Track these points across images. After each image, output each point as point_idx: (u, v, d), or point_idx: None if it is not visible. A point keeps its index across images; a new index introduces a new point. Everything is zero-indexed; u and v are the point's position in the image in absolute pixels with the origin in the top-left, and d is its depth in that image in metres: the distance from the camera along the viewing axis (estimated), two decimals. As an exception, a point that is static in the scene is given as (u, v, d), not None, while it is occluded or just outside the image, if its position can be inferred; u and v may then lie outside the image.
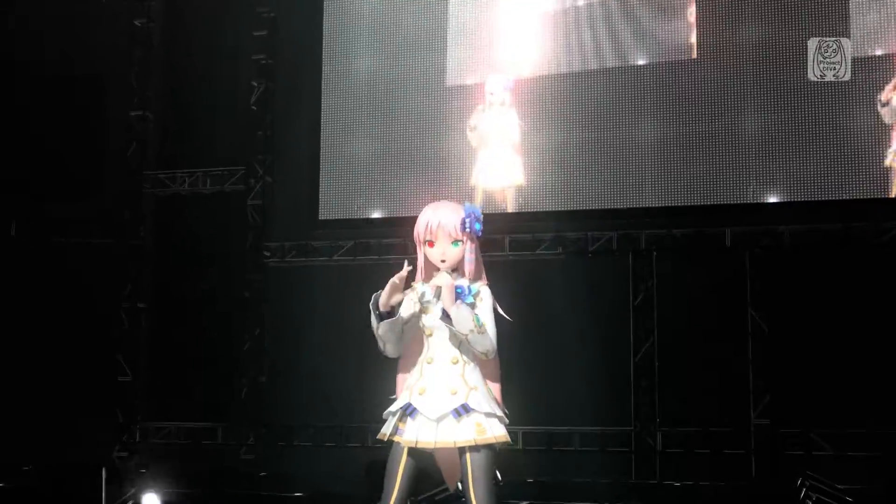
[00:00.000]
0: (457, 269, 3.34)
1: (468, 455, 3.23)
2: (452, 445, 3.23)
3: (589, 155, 7.05)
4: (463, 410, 3.23)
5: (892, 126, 6.54)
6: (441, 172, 7.27)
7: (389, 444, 3.33)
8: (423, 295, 3.33)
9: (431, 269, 3.37)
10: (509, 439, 3.30)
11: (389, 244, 7.29)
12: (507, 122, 7.17)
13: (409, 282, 3.37)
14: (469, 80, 7.33)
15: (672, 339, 6.94)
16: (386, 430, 3.34)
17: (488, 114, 7.21)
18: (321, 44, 7.63)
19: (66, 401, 7.28)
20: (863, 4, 6.64)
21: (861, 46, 6.61)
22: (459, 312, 3.24)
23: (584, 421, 6.99)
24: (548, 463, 6.87)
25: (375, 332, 3.30)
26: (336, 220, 7.55)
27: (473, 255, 3.34)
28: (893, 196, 6.56)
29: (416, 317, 3.33)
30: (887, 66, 6.60)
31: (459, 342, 3.29)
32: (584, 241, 7.21)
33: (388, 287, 3.29)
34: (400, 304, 3.32)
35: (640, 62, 7.03)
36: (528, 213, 7.19)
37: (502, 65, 7.29)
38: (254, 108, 7.89)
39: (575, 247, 7.22)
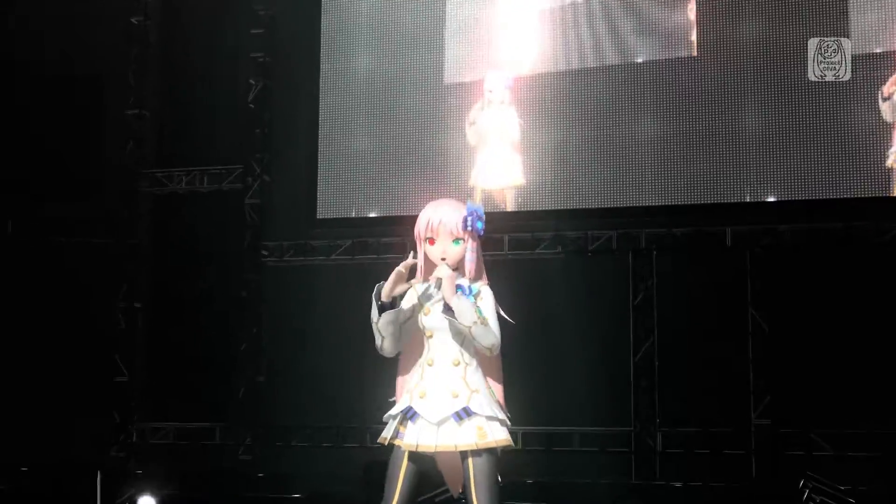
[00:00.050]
0: (457, 269, 3.30)
1: (470, 459, 3.18)
2: (454, 449, 3.19)
3: (588, 153, 7.02)
4: (464, 414, 3.19)
5: (893, 125, 6.50)
6: (440, 171, 7.23)
7: (388, 446, 3.29)
8: (425, 289, 3.28)
9: (431, 268, 3.33)
10: (512, 443, 3.26)
11: (388, 243, 7.26)
12: (506, 120, 7.13)
13: (408, 280, 3.33)
14: (468, 78, 7.29)
15: (672, 339, 6.91)
16: (386, 434, 3.30)
17: (487, 112, 7.16)
18: (319, 42, 7.60)
19: (63, 401, 7.25)
20: (864, 1, 6.60)
21: (863, 44, 6.58)
22: (461, 303, 3.18)
23: (584, 421, 6.96)
24: (547, 463, 6.83)
25: (374, 325, 3.24)
26: (334, 218, 7.51)
27: (474, 255, 3.29)
28: (894, 195, 6.53)
29: (415, 312, 3.28)
30: (889, 64, 6.56)
31: (462, 340, 3.24)
32: (584, 241, 7.18)
33: (392, 276, 3.23)
34: (403, 296, 3.28)
35: (640, 59, 7.00)
36: (528, 212, 7.15)
37: (501, 62, 7.25)
38: (251, 106, 7.86)
39: (574, 246, 7.20)
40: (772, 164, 6.72)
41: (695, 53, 6.91)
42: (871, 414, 6.41)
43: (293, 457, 7.44)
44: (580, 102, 7.05)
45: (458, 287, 3.22)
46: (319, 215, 7.54)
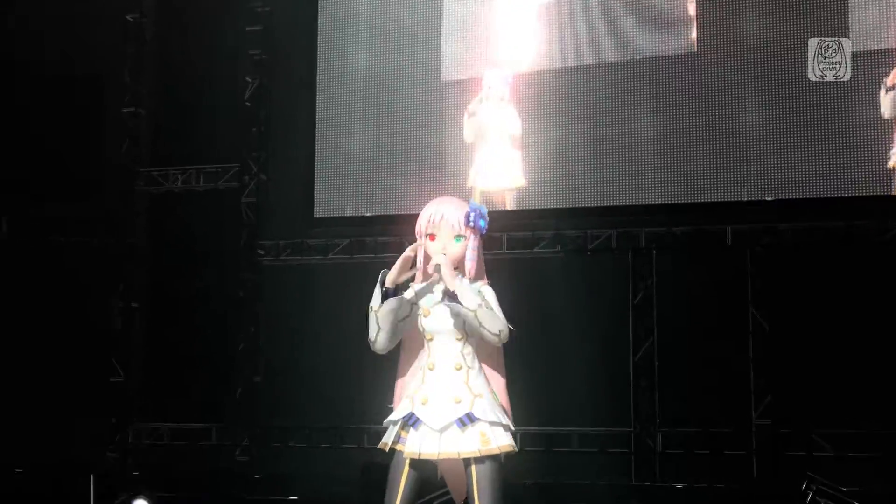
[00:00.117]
0: (457, 268, 3.23)
1: (473, 467, 3.12)
2: (457, 457, 3.12)
3: (588, 151, 6.97)
4: (468, 420, 3.12)
5: (893, 122, 6.45)
6: (438, 169, 7.18)
7: (388, 450, 3.23)
8: (424, 289, 3.22)
9: (430, 270, 3.26)
10: (515, 448, 3.20)
11: (385, 242, 7.21)
12: (505, 117, 7.08)
13: (407, 282, 3.26)
14: (467, 75, 7.23)
15: (672, 339, 6.87)
16: (387, 439, 3.23)
17: (486, 108, 7.11)
18: (316, 39, 7.56)
19: (59, 401, 7.22)
20: (865, -2, 6.57)
21: (864, 42, 6.53)
22: (463, 286, 3.11)
23: (583, 422, 6.92)
24: (546, 464, 6.79)
25: (373, 313, 3.14)
26: (331, 217, 7.47)
27: (475, 253, 3.21)
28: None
29: (413, 312, 3.22)
30: (891, 61, 6.51)
31: (464, 342, 3.17)
32: (583, 239, 7.14)
33: (399, 262, 3.15)
34: (407, 284, 3.20)
35: (640, 56, 6.94)
36: (527, 210, 7.11)
37: (499, 59, 7.20)
38: (248, 104, 7.82)
39: (574, 245, 7.15)
40: (772, 163, 6.67)
41: (695, 50, 6.86)
42: (873, 414, 6.36)
43: (290, 458, 7.39)
44: (579, 100, 7.00)
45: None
46: (317, 214, 7.50)
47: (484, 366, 3.27)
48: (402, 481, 3.15)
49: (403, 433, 3.18)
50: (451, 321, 3.18)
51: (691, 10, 6.88)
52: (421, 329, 3.24)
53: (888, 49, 6.51)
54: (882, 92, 6.40)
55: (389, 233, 7.11)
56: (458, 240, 3.21)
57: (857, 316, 6.44)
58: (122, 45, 8.00)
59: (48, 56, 7.65)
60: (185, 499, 6.63)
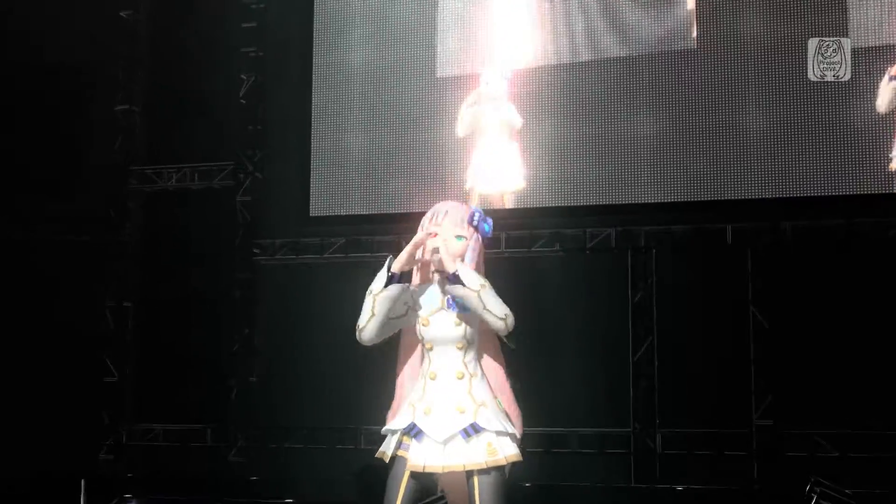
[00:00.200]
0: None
1: (476, 478, 3.03)
2: (462, 469, 3.03)
3: (586, 149, 6.91)
4: (472, 430, 3.03)
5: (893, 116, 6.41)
6: (435, 168, 7.13)
7: (386, 458, 3.15)
8: (423, 293, 3.14)
9: (429, 268, 3.19)
10: (520, 458, 3.12)
11: (382, 241, 7.15)
12: (503, 114, 7.02)
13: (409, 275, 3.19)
14: (464, 72, 7.18)
15: (672, 338, 6.81)
16: (386, 448, 3.14)
17: (483, 106, 7.05)
18: (312, 35, 7.50)
19: (51, 403, 7.14)
20: (866, -3, 6.52)
21: (866, 39, 6.48)
22: (463, 268, 3.02)
23: (582, 422, 6.86)
24: (545, 465, 6.72)
25: (371, 297, 3.04)
26: (328, 216, 7.41)
27: (475, 255, 3.14)
28: (897, 191, 6.45)
29: (409, 312, 3.14)
30: (893, 59, 6.46)
31: (465, 350, 3.08)
32: (582, 238, 7.08)
33: (409, 246, 3.06)
34: (411, 273, 3.12)
35: (639, 52, 6.88)
36: (525, 209, 7.06)
37: (497, 56, 7.14)
38: (243, 101, 7.75)
39: (573, 243, 7.09)
40: (773, 161, 6.62)
41: (695, 46, 6.80)
42: (876, 414, 6.31)
43: (286, 459, 7.33)
44: (577, 97, 6.94)
45: (450, 299, 3.08)
46: (313, 213, 7.44)
47: (485, 356, 3.20)
48: (401, 491, 3.06)
49: (405, 439, 3.08)
50: (452, 330, 3.10)
51: (690, 4, 6.81)
52: (420, 338, 3.15)
53: (890, 45, 6.46)
54: (884, 81, 6.34)
55: (386, 231, 7.05)
56: (459, 239, 3.13)
57: (859, 315, 6.39)
58: (115, 42, 7.94)
59: (41, 52, 7.58)
60: (180, 501, 6.57)
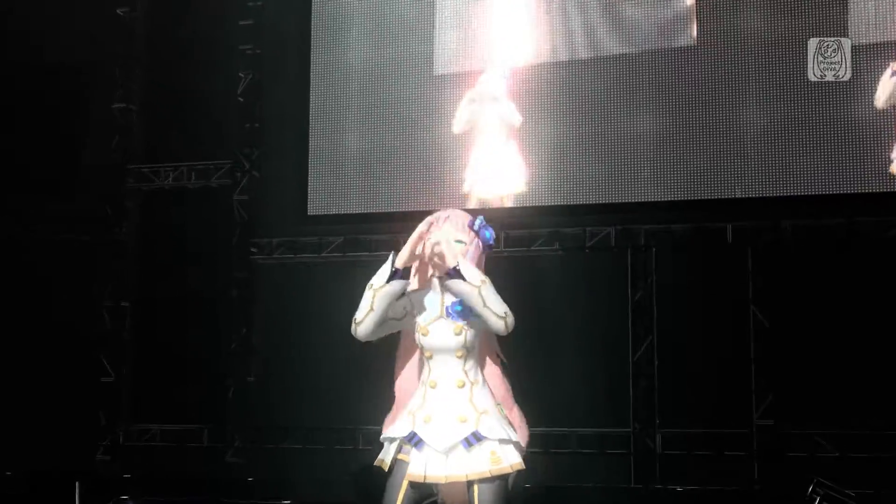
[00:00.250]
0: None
1: (476, 487, 2.97)
2: (464, 479, 2.96)
3: (586, 147, 6.88)
4: (474, 439, 2.96)
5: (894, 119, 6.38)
6: (433, 167, 7.08)
7: (385, 466, 3.10)
8: (421, 300, 3.09)
9: (428, 272, 3.13)
10: (524, 466, 3.06)
11: (380, 240, 7.11)
12: (503, 112, 6.97)
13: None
14: (462, 69, 7.13)
15: (672, 338, 6.78)
16: (385, 456, 3.08)
17: (483, 104, 7.01)
18: (310, 33, 7.46)
19: (47, 403, 7.12)
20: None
21: (866, 35, 6.44)
22: (465, 262, 2.96)
23: (582, 422, 6.83)
24: (545, 466, 6.68)
25: (371, 291, 2.98)
26: (325, 215, 7.37)
27: (474, 261, 3.08)
28: (898, 190, 6.41)
29: (406, 316, 3.09)
30: (894, 55, 6.43)
31: (465, 357, 3.03)
32: (582, 237, 7.04)
33: (411, 240, 2.98)
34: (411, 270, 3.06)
35: (639, 50, 6.84)
36: (524, 207, 7.02)
37: (496, 54, 7.10)
38: (240, 99, 7.71)
39: (572, 242, 7.06)
40: (774, 159, 6.59)
41: (695, 43, 6.76)
42: (876, 414, 6.28)
43: (284, 459, 7.29)
44: (577, 94, 6.91)
45: (456, 305, 3.03)
46: (310, 212, 7.40)
47: (487, 362, 3.15)
48: (401, 496, 3.00)
49: (405, 445, 3.03)
50: (452, 339, 3.04)
51: (690, 0, 6.77)
52: (419, 347, 3.10)
53: (891, 42, 6.42)
54: (886, 75, 6.31)
55: (384, 230, 7.00)
56: (459, 243, 3.08)
57: (860, 314, 6.36)
58: (112, 40, 7.89)
59: (38, 50, 7.55)
60: (177, 502, 6.52)
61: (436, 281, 3.09)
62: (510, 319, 2.98)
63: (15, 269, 7.41)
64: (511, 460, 3.01)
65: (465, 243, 3.08)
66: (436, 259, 3.02)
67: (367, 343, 3.09)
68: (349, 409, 6.76)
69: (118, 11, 7.93)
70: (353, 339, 3.11)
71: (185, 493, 6.64)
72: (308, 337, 7.18)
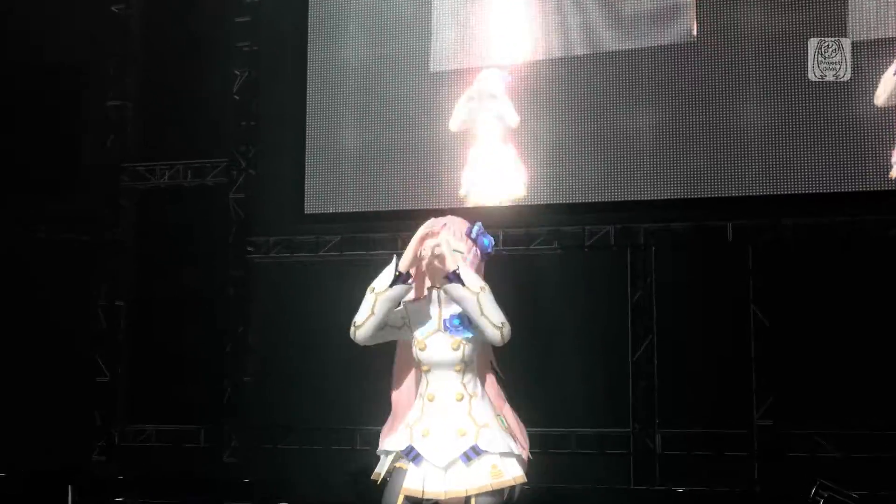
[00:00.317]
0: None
1: (475, 501, 2.90)
2: (464, 494, 2.90)
3: (585, 145, 6.83)
4: (473, 454, 2.91)
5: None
6: (431, 165, 7.04)
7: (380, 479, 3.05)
8: (419, 311, 3.03)
9: (425, 282, 3.08)
10: (525, 478, 3.00)
11: (377, 239, 7.08)
12: (501, 111, 6.93)
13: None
14: (459, 66, 7.09)
15: (671, 337, 6.75)
16: (381, 470, 3.02)
17: (482, 102, 6.97)
18: (306, 30, 7.42)
19: (42, 403, 7.09)
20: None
21: (866, 33, 6.41)
22: (465, 266, 2.91)
23: (581, 422, 6.79)
24: (544, 466, 6.64)
25: (372, 294, 2.93)
26: (322, 214, 7.32)
27: (472, 269, 3.03)
28: (899, 188, 6.37)
29: (404, 326, 3.04)
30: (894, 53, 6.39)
31: (464, 367, 2.97)
32: (581, 236, 7.00)
33: (413, 242, 2.93)
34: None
35: (638, 46, 6.79)
36: (522, 206, 6.97)
37: (494, 51, 7.05)
38: (237, 97, 7.67)
39: (571, 241, 7.01)
40: (774, 157, 6.54)
41: (694, 40, 6.71)
42: (877, 414, 6.24)
43: (281, 460, 7.25)
44: (575, 92, 6.86)
45: (447, 321, 2.98)
46: (307, 210, 7.36)
47: (486, 373, 3.10)
48: (401, 499, 2.95)
49: (403, 465, 2.96)
50: (449, 354, 2.98)
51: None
52: (417, 361, 3.05)
53: (891, 39, 6.39)
54: (888, 73, 6.27)
55: (381, 229, 6.99)
56: (456, 252, 3.01)
57: (861, 313, 6.34)
58: (107, 37, 7.84)
59: (32, 48, 7.51)
60: (172, 502, 6.49)
61: (434, 294, 3.04)
62: (507, 330, 2.93)
63: (9, 269, 7.38)
64: (513, 473, 2.96)
65: (463, 253, 3.01)
66: (436, 262, 2.97)
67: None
68: (348, 409, 6.74)
69: (113, 9, 7.88)
70: (350, 337, 3.07)
71: (182, 494, 6.61)
72: (305, 336, 7.15)
